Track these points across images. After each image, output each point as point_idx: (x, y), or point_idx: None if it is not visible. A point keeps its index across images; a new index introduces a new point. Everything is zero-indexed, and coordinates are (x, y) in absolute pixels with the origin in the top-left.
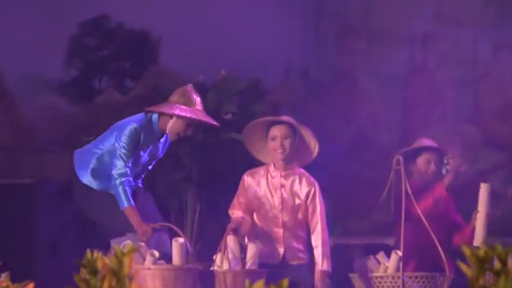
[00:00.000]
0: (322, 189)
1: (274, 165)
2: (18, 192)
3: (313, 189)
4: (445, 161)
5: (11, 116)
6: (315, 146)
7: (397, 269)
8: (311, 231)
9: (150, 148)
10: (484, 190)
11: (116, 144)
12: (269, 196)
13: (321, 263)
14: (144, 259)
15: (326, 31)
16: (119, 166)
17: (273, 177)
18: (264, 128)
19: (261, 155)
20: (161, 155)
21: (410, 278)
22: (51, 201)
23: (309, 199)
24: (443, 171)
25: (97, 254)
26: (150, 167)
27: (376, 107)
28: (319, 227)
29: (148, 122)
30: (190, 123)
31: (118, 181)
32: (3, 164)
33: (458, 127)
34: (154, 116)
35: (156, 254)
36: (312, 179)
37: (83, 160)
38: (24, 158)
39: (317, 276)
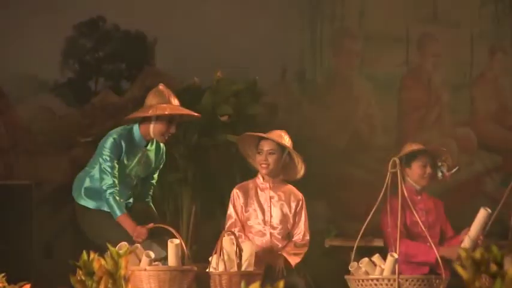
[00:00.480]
0: (318, 192)
1: (262, 178)
2: (14, 193)
3: (300, 203)
4: (439, 164)
5: (7, 117)
6: (301, 168)
7: (393, 272)
8: (293, 235)
9: (138, 157)
10: (482, 214)
11: (100, 159)
12: (258, 209)
13: (289, 254)
14: (140, 260)
15: (322, 33)
16: (106, 179)
17: (262, 190)
18: (257, 139)
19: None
20: (160, 164)
21: (406, 280)
22: (46, 202)
23: (296, 211)
24: (439, 174)
25: (93, 255)
26: (153, 181)
27: (371, 109)
28: (301, 233)
29: (128, 131)
30: (170, 120)
31: (107, 193)
32: None
33: (454, 129)
34: (135, 126)
35: (152, 255)
36: (300, 193)
37: (79, 182)
38: (19, 160)
39: (278, 258)
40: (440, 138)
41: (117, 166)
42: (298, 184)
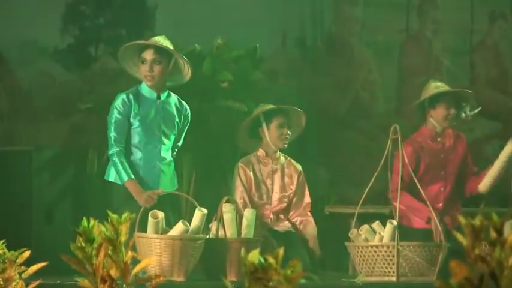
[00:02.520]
0: (319, 158)
1: (265, 153)
2: (13, 159)
3: (302, 174)
4: (464, 104)
5: (7, 83)
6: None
7: (392, 239)
8: (297, 207)
9: (154, 108)
10: (510, 147)
11: (108, 124)
12: (262, 183)
13: (312, 229)
14: (159, 229)
15: None
16: (110, 144)
17: (264, 165)
18: (264, 115)
19: (249, 149)
20: (185, 123)
21: (407, 247)
22: (46, 168)
23: (299, 182)
24: (462, 114)
25: (93, 222)
26: (179, 144)
27: (372, 76)
28: (306, 204)
29: (136, 87)
30: (143, 61)
31: (112, 158)
32: None
33: None
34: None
35: (187, 224)
36: (299, 165)
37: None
38: (19, 125)
39: (311, 239)
40: None
41: (125, 127)
42: (299, 150)
